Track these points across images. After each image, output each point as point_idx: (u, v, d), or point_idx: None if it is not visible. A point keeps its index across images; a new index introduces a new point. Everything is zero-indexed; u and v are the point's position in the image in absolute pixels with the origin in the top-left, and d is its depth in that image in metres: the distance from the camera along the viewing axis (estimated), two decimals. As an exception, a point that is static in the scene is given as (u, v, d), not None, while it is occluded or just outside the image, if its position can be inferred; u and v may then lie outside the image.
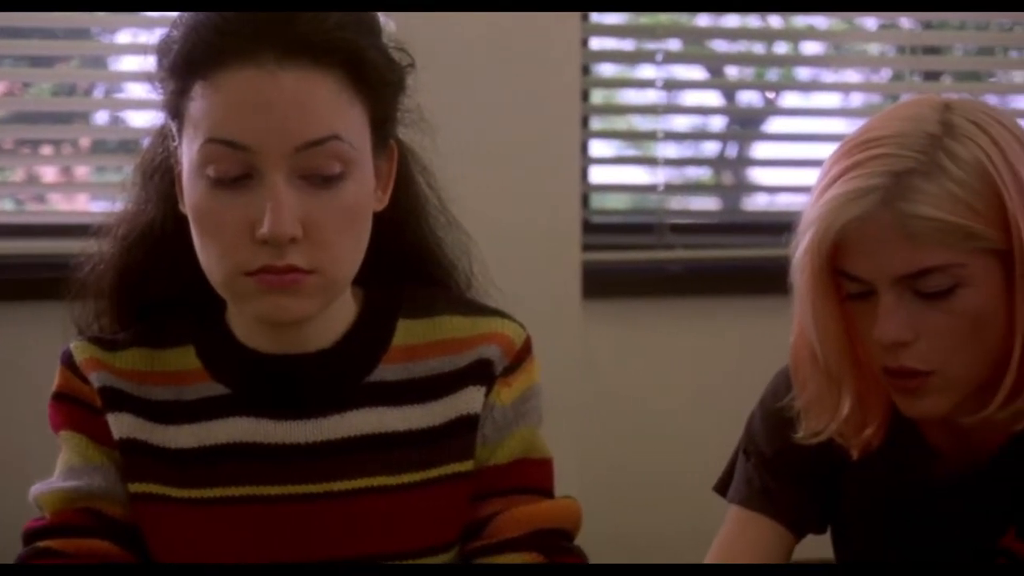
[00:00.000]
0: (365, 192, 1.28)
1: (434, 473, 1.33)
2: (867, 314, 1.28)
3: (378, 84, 1.28)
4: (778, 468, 1.43)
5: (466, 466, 1.34)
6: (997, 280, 1.26)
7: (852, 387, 1.33)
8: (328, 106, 1.23)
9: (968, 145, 1.25)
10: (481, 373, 1.34)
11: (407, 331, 1.36)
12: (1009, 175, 1.25)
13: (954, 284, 1.25)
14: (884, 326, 1.26)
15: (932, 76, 3.27)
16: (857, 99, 3.24)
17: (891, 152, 1.25)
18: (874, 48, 3.23)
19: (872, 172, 1.25)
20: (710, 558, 1.44)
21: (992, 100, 3.27)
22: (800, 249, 1.29)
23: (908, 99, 1.34)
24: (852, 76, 3.25)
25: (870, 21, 3.13)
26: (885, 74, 3.28)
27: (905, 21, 3.12)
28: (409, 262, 1.40)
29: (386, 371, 1.34)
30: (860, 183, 1.25)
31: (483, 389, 1.34)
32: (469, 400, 1.34)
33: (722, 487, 1.49)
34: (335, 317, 1.33)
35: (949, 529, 1.36)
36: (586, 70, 2.93)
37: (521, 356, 1.37)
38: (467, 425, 1.34)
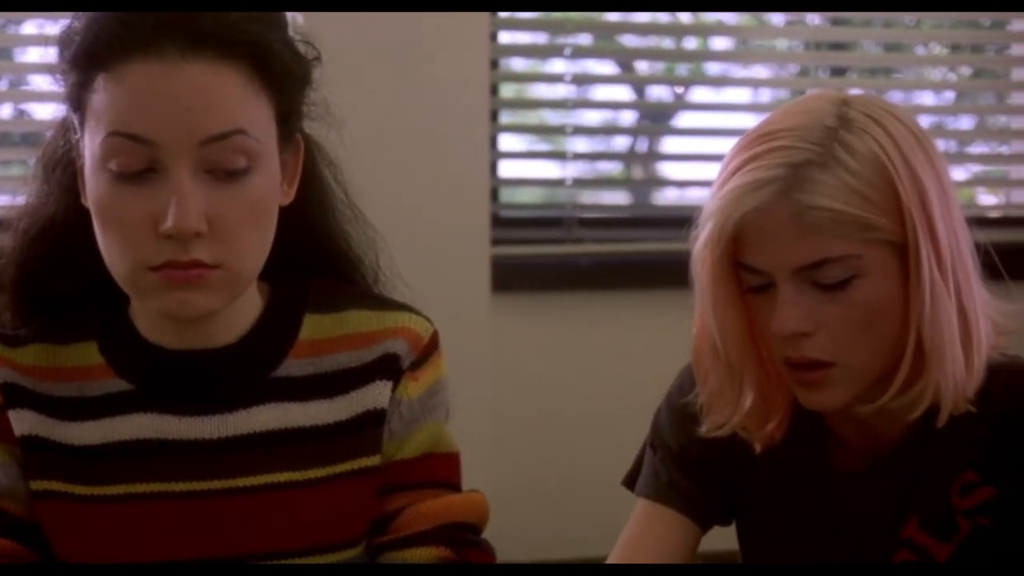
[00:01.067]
0: (271, 186, 1.27)
1: (341, 468, 1.33)
2: (767, 307, 1.29)
3: (284, 78, 1.27)
4: (684, 462, 1.45)
5: (373, 461, 1.34)
6: (893, 272, 1.28)
7: (754, 380, 1.35)
8: (233, 100, 1.22)
9: (864, 138, 1.27)
10: (388, 367, 1.34)
11: (313, 326, 1.35)
12: (904, 168, 1.27)
13: (851, 275, 1.27)
14: (783, 317, 1.27)
15: (839, 72, 3.31)
16: (765, 95, 3.27)
17: (788, 144, 1.27)
18: (782, 44, 3.26)
19: (770, 164, 1.26)
20: (617, 551, 1.45)
21: (897, 96, 3.31)
22: (700, 242, 1.31)
23: (808, 95, 1.36)
24: (760, 72, 3.28)
25: (778, 17, 3.16)
26: (793, 70, 3.32)
27: (812, 17, 3.15)
28: (315, 256, 1.40)
29: (292, 366, 1.34)
30: (758, 175, 1.26)
31: (390, 384, 1.34)
32: (376, 395, 1.34)
33: (630, 481, 1.50)
34: (240, 312, 1.33)
35: (852, 520, 1.38)
36: (495, 64, 2.93)
37: (428, 350, 1.36)
38: (374, 420, 1.34)
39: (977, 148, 3.46)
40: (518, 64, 3.12)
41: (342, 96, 1.37)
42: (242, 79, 1.23)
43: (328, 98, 1.36)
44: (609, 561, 1.44)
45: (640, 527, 1.45)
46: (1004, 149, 3.46)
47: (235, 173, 1.23)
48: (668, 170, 3.33)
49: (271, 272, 1.32)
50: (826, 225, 1.25)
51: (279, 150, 1.28)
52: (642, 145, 3.31)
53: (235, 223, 1.23)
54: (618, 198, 3.34)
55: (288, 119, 1.29)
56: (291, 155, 1.32)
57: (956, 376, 1.29)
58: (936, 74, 3.43)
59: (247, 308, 1.33)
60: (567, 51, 3.00)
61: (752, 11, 3.10)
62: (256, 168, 1.24)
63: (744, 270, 1.31)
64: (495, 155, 2.95)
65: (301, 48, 1.31)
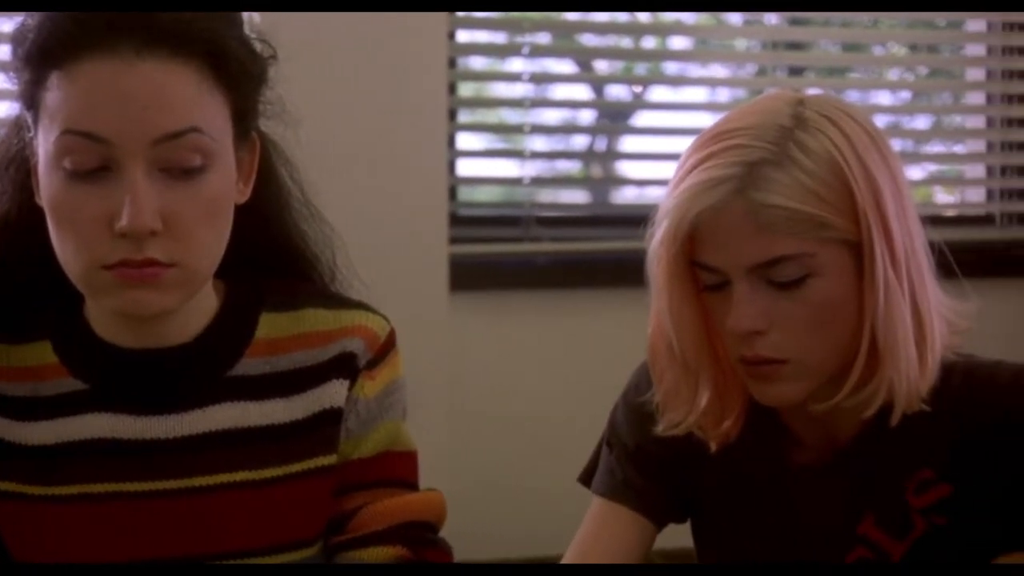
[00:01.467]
0: (226, 185, 1.26)
1: (297, 467, 1.32)
2: (722, 305, 1.30)
3: (240, 76, 1.27)
4: (639, 460, 1.45)
5: (330, 460, 1.33)
6: (847, 271, 1.29)
7: (710, 379, 1.35)
8: (188, 98, 1.22)
9: (819, 137, 1.28)
10: (344, 366, 1.34)
11: (270, 324, 1.35)
12: (859, 167, 1.27)
13: (805, 274, 1.28)
14: (738, 315, 1.28)
15: (796, 72, 3.32)
16: (723, 94, 3.28)
17: (744, 143, 1.27)
18: (740, 44, 3.27)
19: (726, 162, 1.27)
20: (572, 549, 1.45)
21: (854, 96, 3.33)
22: (655, 240, 1.31)
23: (764, 95, 1.37)
24: (719, 71, 3.29)
25: (736, 17, 3.17)
26: (751, 69, 3.33)
27: (770, 17, 3.17)
28: (272, 255, 1.39)
29: (249, 365, 1.33)
30: (714, 173, 1.27)
31: (346, 382, 1.34)
32: (332, 393, 1.33)
33: (586, 478, 1.51)
34: (196, 311, 1.32)
35: (808, 517, 1.38)
36: (453, 63, 2.93)
37: (385, 349, 1.36)
38: (330, 419, 1.33)
39: (933, 147, 3.49)
40: (477, 63, 3.12)
41: (298, 94, 1.36)
42: (197, 77, 1.22)
43: (284, 96, 1.36)
44: (564, 559, 1.45)
45: (595, 525, 1.45)
46: (959, 148, 3.49)
47: (190, 171, 1.22)
48: (626, 169, 3.33)
49: (227, 271, 1.32)
50: (781, 223, 1.26)
51: (235, 148, 1.28)
52: (601, 144, 3.32)
53: (190, 222, 1.22)
54: (577, 197, 3.34)
55: (244, 117, 1.29)
56: (247, 153, 1.31)
57: (910, 374, 1.30)
58: (893, 74, 3.45)
59: (203, 307, 1.33)
60: (525, 50, 3.00)
61: (710, 11, 3.11)
62: (211, 166, 1.24)
63: (699, 268, 1.31)
64: (453, 154, 2.94)
65: (257, 46, 1.31)
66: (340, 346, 1.34)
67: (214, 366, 1.32)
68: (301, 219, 1.40)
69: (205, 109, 1.23)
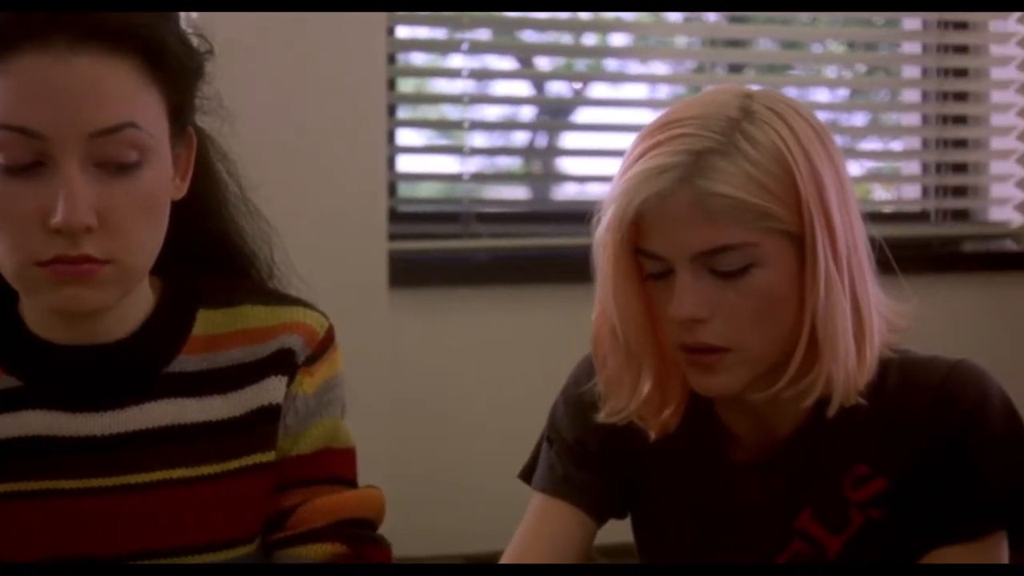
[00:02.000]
0: (162, 180, 1.26)
1: (235, 464, 1.32)
2: (666, 293, 1.31)
3: (176, 70, 1.26)
4: (579, 455, 1.45)
5: (268, 457, 1.33)
6: (790, 262, 1.30)
7: (652, 367, 1.36)
8: (123, 93, 1.21)
9: (765, 130, 1.29)
10: (283, 363, 1.33)
11: (207, 321, 1.34)
12: (804, 160, 1.29)
13: (748, 263, 1.29)
14: (680, 303, 1.29)
15: (736, 68, 3.34)
16: (664, 91, 3.29)
17: (691, 132, 1.28)
18: (680, 41, 3.29)
19: (673, 151, 1.28)
20: (513, 544, 1.45)
21: (793, 93, 3.35)
22: (601, 227, 1.32)
23: (712, 88, 1.38)
24: (659, 68, 3.30)
25: (675, 14, 3.19)
26: (690, 66, 3.34)
27: (710, 14, 3.18)
28: (209, 251, 1.38)
29: (186, 361, 1.32)
30: (660, 161, 1.28)
31: (285, 379, 1.33)
32: (271, 390, 1.33)
33: (527, 474, 1.51)
34: (132, 307, 1.31)
35: (746, 511, 1.39)
36: (392, 59, 2.93)
37: (324, 345, 1.36)
38: (269, 415, 1.33)
39: (871, 144, 3.52)
40: (418, 59, 3.12)
41: (236, 90, 1.35)
42: (133, 72, 1.21)
43: (221, 92, 1.35)
44: (505, 554, 1.45)
45: (536, 521, 1.45)
46: (896, 145, 3.52)
47: (126, 167, 1.21)
48: (567, 165, 3.34)
49: (164, 267, 1.31)
50: (726, 212, 1.27)
51: (171, 144, 1.27)
52: (541, 140, 3.32)
53: (126, 217, 1.22)
54: (517, 193, 3.35)
55: (180, 112, 1.28)
56: (183, 149, 1.30)
57: (848, 367, 1.31)
58: (831, 72, 3.47)
59: (139, 303, 1.32)
60: (465, 46, 3.00)
61: (650, 11, 3.12)
62: (147, 162, 1.23)
63: (644, 256, 1.32)
64: (393, 150, 2.94)
65: (194, 41, 1.30)
66: (278, 343, 1.34)
67: (151, 363, 1.31)
68: (238, 215, 1.40)
69: (141, 104, 1.22)
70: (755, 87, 1.37)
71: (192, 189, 1.32)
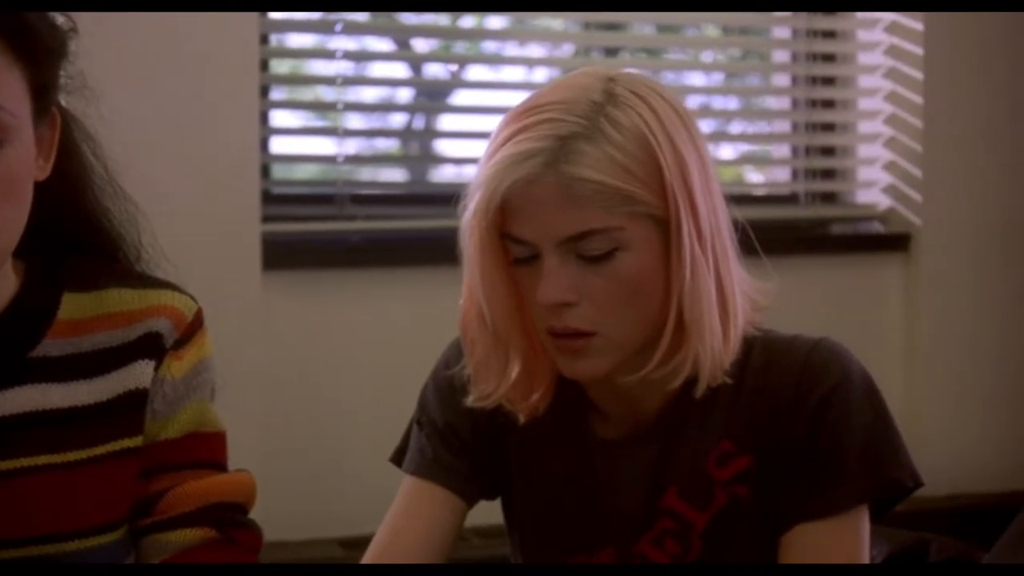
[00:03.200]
0: (26, 161, 1.24)
1: (102, 450, 1.30)
2: (532, 278, 1.32)
3: (38, 50, 1.24)
4: (449, 437, 1.46)
5: (135, 442, 1.31)
6: (655, 246, 1.31)
7: (520, 351, 1.37)
8: (-17, 73, 1.18)
9: (629, 113, 1.30)
10: (150, 347, 1.32)
11: (73, 304, 1.32)
12: (667, 144, 1.30)
13: (614, 247, 1.30)
14: (547, 287, 1.30)
15: (612, 52, 3.36)
16: (541, 73, 3.30)
17: (556, 117, 1.29)
18: (557, 24, 3.30)
19: (537, 136, 1.29)
20: (384, 527, 1.45)
21: (669, 77, 3.38)
22: (468, 212, 1.32)
23: (576, 71, 1.38)
24: (536, 51, 3.31)
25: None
26: (568, 49, 3.36)
27: (587, -5, 3.19)
28: (74, 233, 1.36)
29: (51, 346, 1.30)
30: (526, 146, 1.28)
31: (152, 363, 1.32)
32: (138, 375, 1.31)
33: (398, 457, 1.51)
34: (-5, 291, 1.29)
35: (614, 489, 1.41)
36: (265, 39, 2.90)
37: (192, 329, 1.35)
38: (136, 400, 1.31)
39: (744, 128, 3.56)
40: (295, 40, 3.09)
41: (102, 69, 1.34)
42: (-6, 51, 1.19)
43: (86, 71, 1.33)
44: (376, 538, 1.45)
45: (407, 503, 1.46)
46: (768, 128, 3.57)
47: (-13, 148, 1.19)
48: (444, 147, 3.34)
49: (27, 250, 1.29)
50: (591, 197, 1.28)
51: (34, 124, 1.25)
52: (418, 123, 3.32)
53: (-14, 198, 1.19)
54: (395, 175, 3.34)
55: (43, 92, 1.26)
56: (47, 129, 1.28)
57: (714, 347, 1.33)
58: (707, 56, 3.51)
59: (2, 287, 1.30)
60: (337, 27, 2.98)
61: (524, 11, 3.12)
62: (9, 142, 1.21)
63: (510, 241, 1.32)
64: (266, 131, 2.92)
65: (57, 19, 1.28)
66: (145, 326, 1.32)
67: (14, 347, 1.29)
68: (104, 196, 1.38)
69: (2, 84, 1.20)
70: (632, 70, 1.38)
71: (56, 170, 1.30)
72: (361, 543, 1.50)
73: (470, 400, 1.39)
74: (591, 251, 1.30)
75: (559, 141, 1.28)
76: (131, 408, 1.31)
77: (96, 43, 1.32)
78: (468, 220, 1.33)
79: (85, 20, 1.31)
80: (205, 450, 1.36)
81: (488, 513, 1.55)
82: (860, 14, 3.36)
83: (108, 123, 1.39)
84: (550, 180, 1.28)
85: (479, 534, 2.71)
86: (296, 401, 2.85)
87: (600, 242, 1.30)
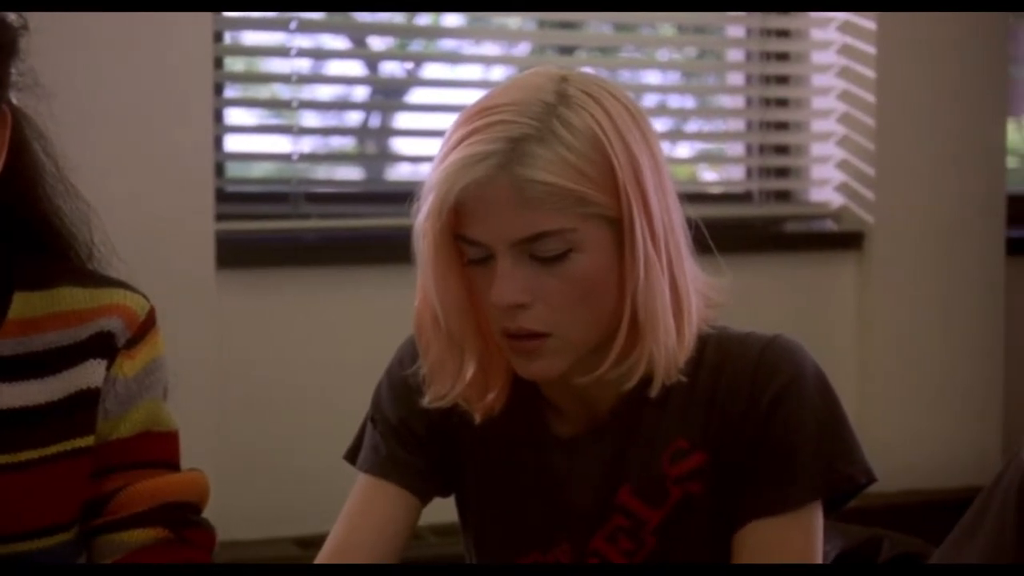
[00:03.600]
0: (-25, 158, 1.23)
1: (53, 450, 1.29)
2: (486, 279, 1.32)
3: (-13, 47, 1.23)
4: (403, 436, 1.46)
5: (87, 441, 1.31)
6: (609, 247, 1.31)
7: (474, 352, 1.37)
8: (-68, 72, 1.18)
9: (581, 114, 1.30)
10: (102, 346, 1.32)
11: (23, 303, 1.32)
12: (620, 144, 1.30)
13: (567, 249, 1.30)
14: (500, 289, 1.30)
15: (568, 51, 3.37)
16: (498, 72, 3.31)
17: (508, 119, 1.29)
18: (514, 22, 3.30)
19: (490, 138, 1.28)
20: (338, 526, 1.45)
21: (625, 75, 3.39)
22: (421, 214, 1.32)
23: (528, 71, 1.38)
24: (492, 49, 3.31)
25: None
26: (524, 48, 3.36)
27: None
28: (25, 232, 1.36)
29: (2, 345, 1.30)
30: (478, 148, 1.28)
31: (104, 362, 1.31)
32: (90, 374, 1.31)
33: (352, 455, 1.51)
34: (-56, 290, 1.28)
35: (568, 486, 1.41)
36: (219, 37, 2.89)
37: (144, 328, 1.34)
38: (88, 400, 1.31)
39: (699, 126, 3.58)
40: (250, 38, 3.08)
41: (53, 67, 1.33)
42: (-58, 48, 1.18)
43: (37, 68, 1.32)
44: (330, 536, 1.44)
45: (361, 502, 1.45)
46: (723, 127, 3.59)
47: (-64, 145, 1.19)
48: (400, 146, 3.34)
49: (-23, 249, 1.28)
50: (544, 199, 1.28)
51: (-16, 122, 1.24)
52: (374, 121, 3.31)
53: (-64, 197, 1.19)
54: (351, 174, 3.33)
55: (-7, 90, 1.25)
56: (-3, 127, 1.27)
57: (668, 346, 1.33)
58: (663, 54, 3.52)
59: (-49, 286, 1.29)
60: (291, 25, 2.97)
61: (480, 11, 3.12)
62: (-42, 140, 1.20)
63: (464, 243, 1.32)
64: (220, 129, 2.90)
65: (8, 17, 1.27)
66: (97, 325, 1.32)
67: (-36, 347, 1.28)
68: (56, 195, 1.37)
69: (-49, 81, 1.19)
70: (586, 69, 1.38)
71: (7, 168, 1.29)
72: (316, 542, 1.50)
73: (425, 401, 1.39)
74: (545, 252, 1.30)
75: (511, 143, 1.28)
76: (83, 407, 1.31)
77: (47, 40, 1.31)
78: (421, 222, 1.33)
79: (36, 17, 1.31)
80: (157, 449, 1.35)
81: (444, 511, 1.55)
82: (813, 13, 3.38)
83: (60, 121, 1.38)
84: (503, 182, 1.28)
85: (435, 532, 2.71)
86: (250, 400, 2.84)
87: (553, 243, 1.30)
